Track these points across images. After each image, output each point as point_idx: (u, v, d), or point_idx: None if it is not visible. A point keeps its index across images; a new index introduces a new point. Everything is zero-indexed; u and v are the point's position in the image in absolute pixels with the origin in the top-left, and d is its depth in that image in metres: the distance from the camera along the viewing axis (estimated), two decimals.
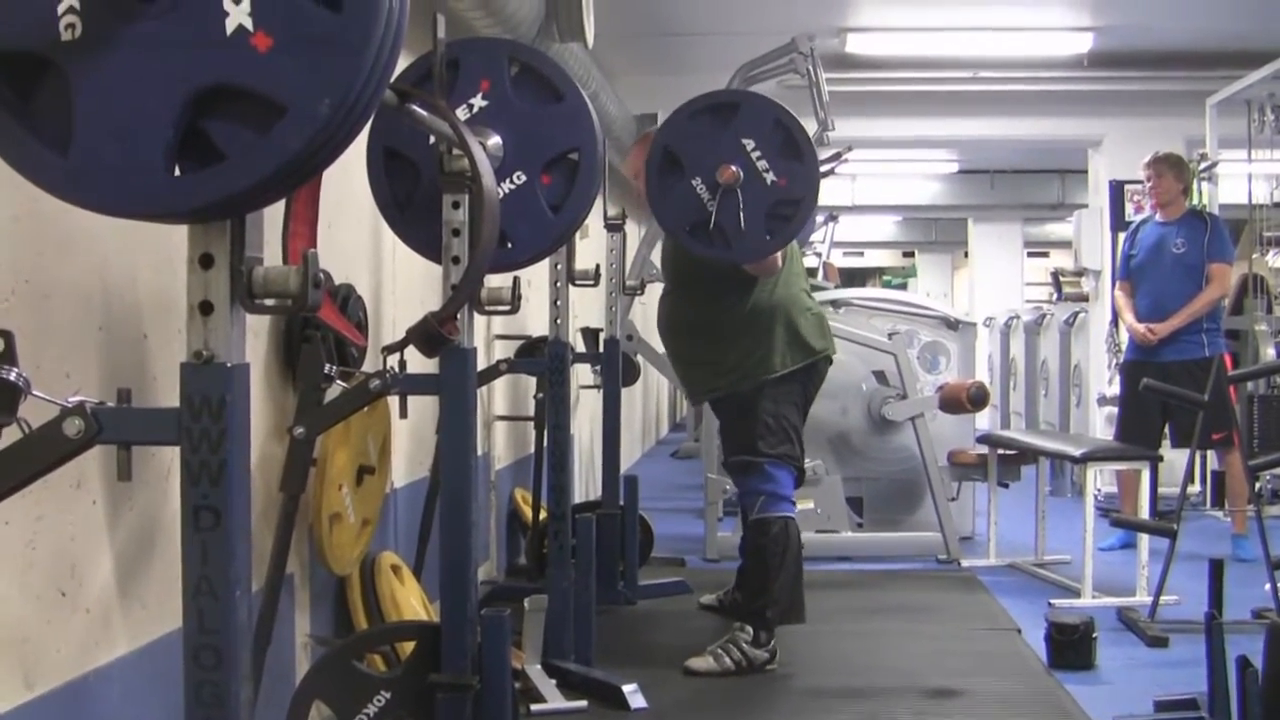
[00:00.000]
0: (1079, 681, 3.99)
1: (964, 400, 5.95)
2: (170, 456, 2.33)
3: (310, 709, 2.64)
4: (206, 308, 1.46)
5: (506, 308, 2.86)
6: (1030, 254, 16.53)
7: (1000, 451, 6.02)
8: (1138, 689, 3.80)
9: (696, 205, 3.73)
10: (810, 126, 6.26)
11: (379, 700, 2.58)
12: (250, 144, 1.36)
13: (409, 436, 3.90)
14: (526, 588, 4.35)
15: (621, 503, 4.95)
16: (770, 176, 3.68)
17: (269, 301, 1.48)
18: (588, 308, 6.51)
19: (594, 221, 4.17)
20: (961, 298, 17.94)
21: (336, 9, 1.35)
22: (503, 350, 5.16)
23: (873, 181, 13.21)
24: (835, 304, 6.59)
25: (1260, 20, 6.61)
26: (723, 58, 6.50)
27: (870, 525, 6.24)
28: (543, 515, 4.88)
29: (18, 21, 1.37)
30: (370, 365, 3.31)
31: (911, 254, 20.41)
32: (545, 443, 4.63)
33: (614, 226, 5.00)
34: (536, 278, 4.77)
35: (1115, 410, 6.49)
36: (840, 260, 17.25)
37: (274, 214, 1.70)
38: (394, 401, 2.90)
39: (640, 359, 7.34)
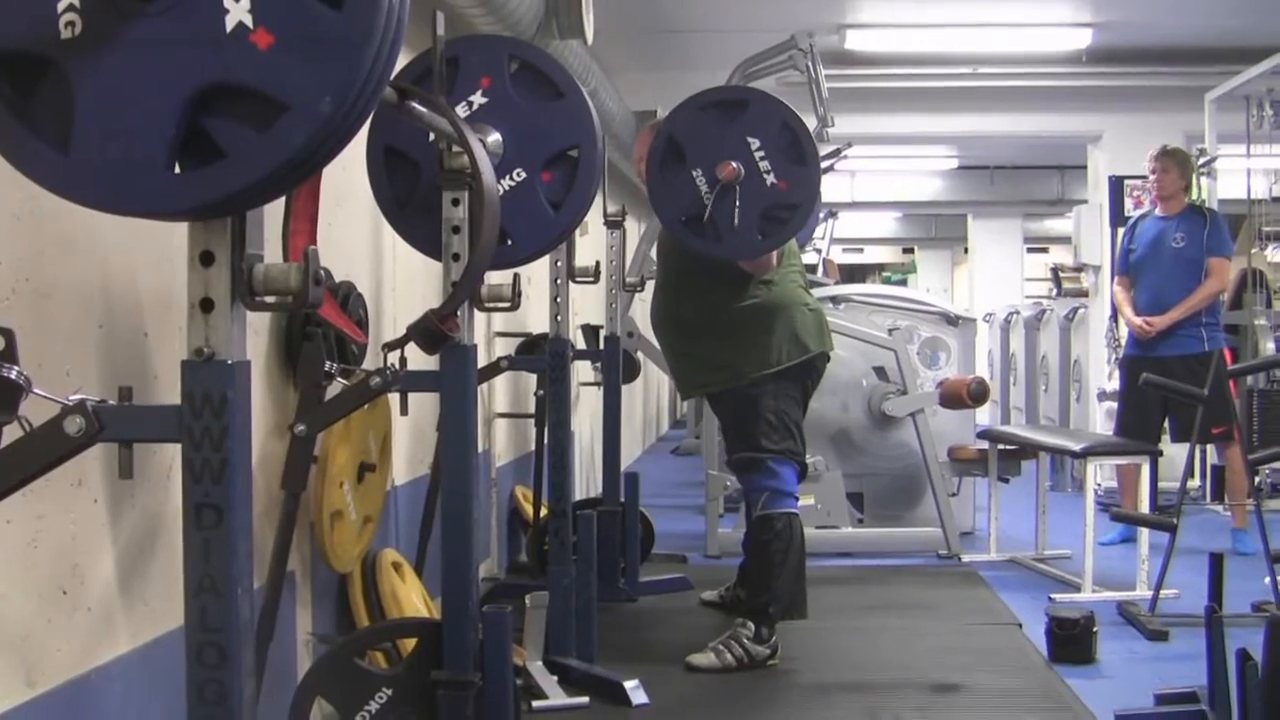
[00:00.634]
0: (1079, 676, 3.99)
1: (964, 396, 5.95)
2: (171, 454, 2.33)
3: (312, 706, 2.64)
4: (207, 305, 1.46)
5: (507, 305, 2.87)
6: (1030, 249, 16.54)
7: (1000, 447, 6.03)
8: (1138, 683, 3.81)
9: (694, 197, 3.74)
10: (810, 123, 6.28)
11: (380, 697, 2.59)
12: (250, 142, 1.36)
13: (410, 434, 3.91)
14: (528, 585, 4.35)
15: (622, 499, 4.95)
16: (771, 178, 3.68)
17: (270, 299, 1.48)
18: (588, 305, 6.51)
19: (594, 218, 4.17)
20: (961, 293, 17.95)
21: (337, 6, 1.35)
22: (503, 347, 5.17)
23: (872, 178, 13.21)
24: (835, 300, 6.59)
25: (1258, 16, 6.62)
26: (722, 54, 6.51)
27: (871, 521, 6.24)
28: (543, 512, 4.88)
29: (18, 20, 1.37)
30: (371, 363, 3.31)
31: (911, 250, 20.40)
32: (546, 440, 4.63)
33: (614, 223, 5.00)
34: (536, 275, 4.78)
35: (1115, 405, 6.49)
36: (840, 257, 17.27)
37: (274, 211, 1.70)
38: (394, 399, 2.90)
39: (640, 356, 7.35)
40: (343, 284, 3.29)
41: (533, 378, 5.19)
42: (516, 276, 2.87)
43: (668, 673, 3.97)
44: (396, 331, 3.58)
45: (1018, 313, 10.23)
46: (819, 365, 4.27)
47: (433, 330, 2.26)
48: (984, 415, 8.10)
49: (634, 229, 8.02)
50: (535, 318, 5.22)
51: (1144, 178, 6.65)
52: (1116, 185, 8.13)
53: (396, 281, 3.92)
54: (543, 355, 4.35)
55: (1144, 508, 5.26)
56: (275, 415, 3.02)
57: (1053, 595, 4.99)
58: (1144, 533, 5.06)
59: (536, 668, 3.69)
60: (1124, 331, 6.35)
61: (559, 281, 4.18)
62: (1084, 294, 8.98)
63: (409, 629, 2.96)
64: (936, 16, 6.92)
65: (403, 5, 1.41)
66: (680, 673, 3.99)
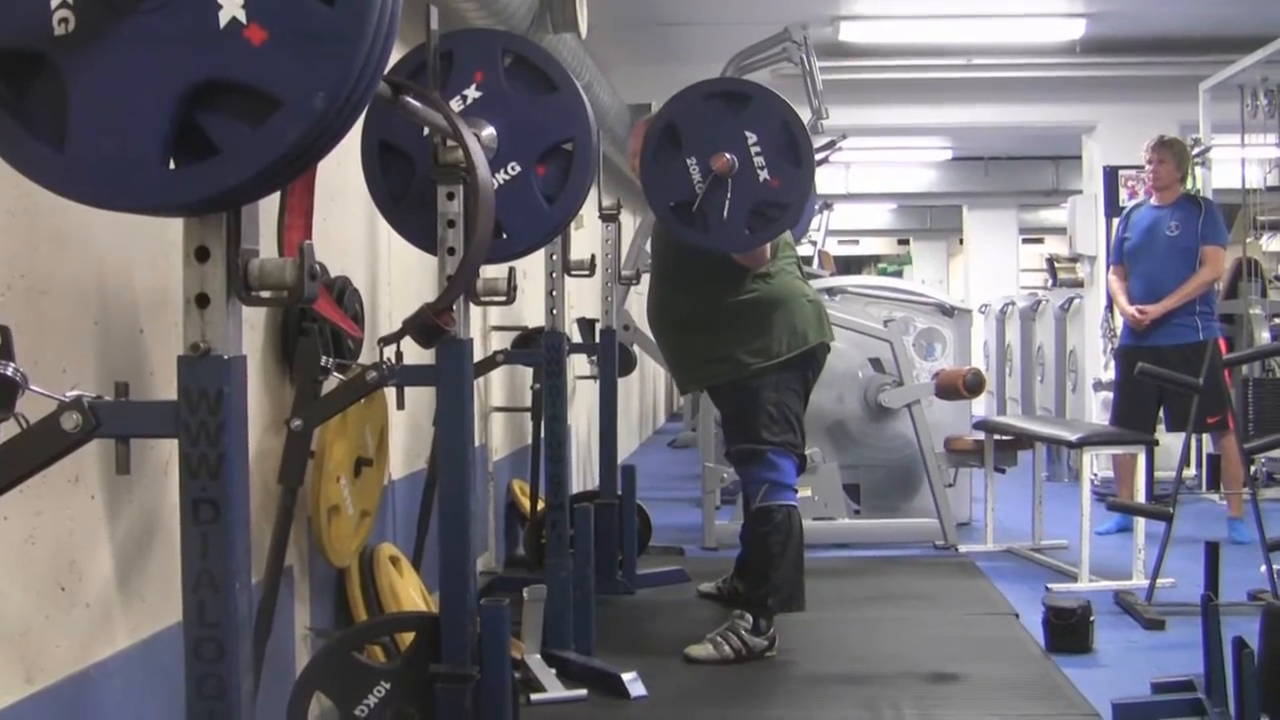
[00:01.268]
0: (1076, 665, 4.00)
1: (960, 387, 5.95)
2: (169, 450, 2.33)
3: (311, 700, 2.65)
4: (203, 300, 1.46)
5: (502, 299, 2.87)
6: (1025, 240, 16.53)
7: (997, 437, 6.04)
8: (1135, 672, 3.82)
9: (686, 184, 3.74)
10: (804, 115, 6.29)
11: (379, 691, 2.59)
12: (245, 137, 1.36)
13: (406, 428, 3.91)
14: (525, 578, 4.35)
15: (619, 492, 4.95)
16: (764, 174, 3.69)
17: (265, 294, 1.48)
18: (584, 298, 6.51)
19: (589, 212, 4.17)
20: (957, 284, 17.95)
21: (330, 2, 1.35)
22: (499, 341, 5.16)
23: (867, 169, 13.20)
24: (831, 292, 6.60)
25: (1252, 5, 6.61)
26: (716, 47, 6.50)
27: (868, 512, 6.25)
28: (541, 506, 4.88)
29: (11, 17, 1.37)
30: (367, 357, 3.32)
31: (907, 241, 20.41)
32: (542, 433, 4.64)
33: (609, 217, 5.00)
34: (532, 269, 4.77)
35: (1111, 395, 6.50)
36: (836, 248, 17.22)
37: (269, 207, 1.70)
38: (391, 393, 2.91)
39: (636, 349, 7.34)
40: (338, 279, 3.29)
41: (529, 371, 5.19)
42: (512, 270, 2.87)
43: (666, 665, 3.98)
44: (392, 326, 3.57)
45: (1013, 303, 10.24)
46: (820, 356, 4.27)
47: (429, 324, 2.26)
48: (980, 406, 8.11)
49: (629, 222, 8.03)
50: (531, 311, 5.22)
51: (1139, 168, 6.67)
52: (1111, 175, 8.13)
53: (392, 276, 3.92)
54: (539, 349, 4.35)
55: (1140, 497, 5.27)
56: (272, 410, 3.02)
57: (1049, 585, 4.99)
58: (1140, 522, 5.07)
59: (535, 661, 3.70)
60: (1119, 321, 6.36)
61: (554, 275, 4.18)
62: (1079, 284, 8.98)
63: (407, 623, 2.96)
64: (930, 8, 6.92)
65: (396, 0, 1.41)
66: (678, 664, 4.00)
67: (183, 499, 1.48)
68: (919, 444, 5.96)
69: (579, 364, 6.22)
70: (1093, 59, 7.65)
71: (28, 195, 1.96)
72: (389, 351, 2.52)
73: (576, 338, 5.81)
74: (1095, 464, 6.32)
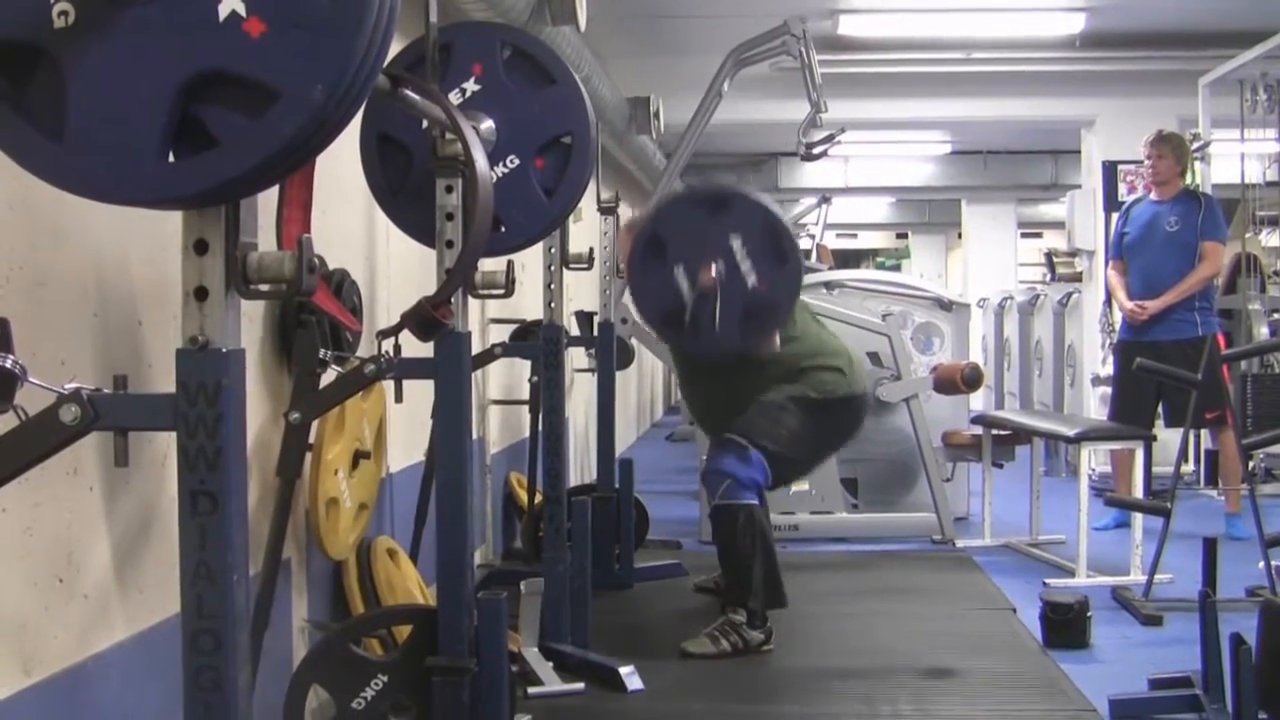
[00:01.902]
0: (1074, 660, 4.00)
1: (958, 381, 5.96)
2: (167, 442, 2.33)
3: (308, 693, 2.65)
4: (202, 293, 1.46)
5: (501, 292, 2.87)
6: (1024, 235, 16.52)
7: (995, 432, 6.03)
8: (1132, 667, 3.82)
9: (674, 294, 3.86)
10: (803, 109, 6.29)
11: (376, 684, 2.60)
12: (243, 130, 1.36)
13: (404, 421, 3.91)
14: (522, 571, 4.36)
15: (617, 486, 4.96)
16: (752, 280, 3.77)
17: (264, 287, 1.48)
18: (582, 291, 6.50)
19: (587, 205, 4.17)
20: (955, 279, 17.95)
21: None
22: (497, 334, 5.16)
23: (866, 163, 13.19)
24: (829, 286, 6.60)
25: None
26: (715, 40, 6.49)
27: (865, 506, 6.25)
28: (538, 499, 4.88)
29: (10, 10, 1.37)
30: (365, 350, 3.31)
31: (905, 235, 20.40)
32: (540, 426, 4.63)
33: (607, 210, 5.00)
34: (530, 262, 4.76)
35: (1109, 390, 6.50)
36: (833, 242, 17.20)
37: (268, 199, 1.70)
38: (389, 386, 2.91)
39: (634, 342, 7.34)
40: (336, 271, 3.29)
41: (527, 364, 5.19)
42: (510, 263, 2.87)
43: (663, 658, 3.98)
44: (390, 319, 3.57)
45: (1012, 298, 10.24)
46: (855, 406, 4.31)
47: (427, 317, 2.26)
48: (978, 400, 8.12)
49: (627, 216, 8.01)
50: (529, 304, 5.21)
51: (1138, 162, 6.66)
52: (1110, 170, 8.12)
53: (390, 269, 3.92)
54: (537, 342, 4.35)
55: (1138, 493, 5.27)
56: (270, 403, 3.02)
57: (1047, 580, 5.00)
58: (1138, 518, 5.07)
59: (532, 654, 3.70)
60: (1118, 316, 6.36)
61: (553, 268, 4.18)
62: (1078, 279, 8.98)
63: (404, 616, 2.96)
64: (930, 1, 6.91)
65: None
66: (675, 658, 4.00)
67: (181, 491, 1.48)
68: (917, 438, 5.96)
69: (577, 357, 6.23)
70: (1092, 53, 7.63)
71: (26, 188, 1.96)
72: (387, 344, 2.52)
73: (575, 331, 5.81)
74: (1093, 459, 6.35)
